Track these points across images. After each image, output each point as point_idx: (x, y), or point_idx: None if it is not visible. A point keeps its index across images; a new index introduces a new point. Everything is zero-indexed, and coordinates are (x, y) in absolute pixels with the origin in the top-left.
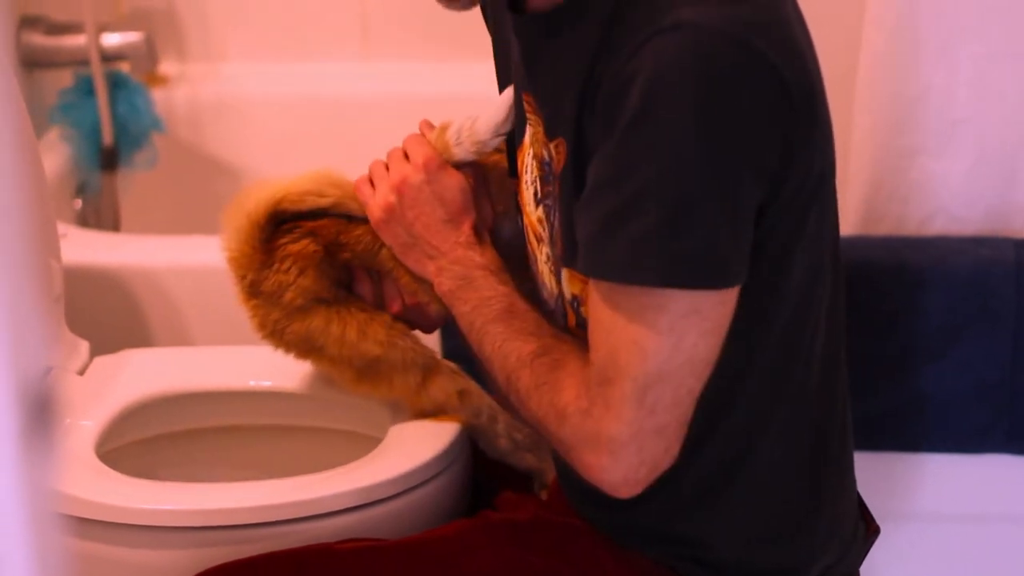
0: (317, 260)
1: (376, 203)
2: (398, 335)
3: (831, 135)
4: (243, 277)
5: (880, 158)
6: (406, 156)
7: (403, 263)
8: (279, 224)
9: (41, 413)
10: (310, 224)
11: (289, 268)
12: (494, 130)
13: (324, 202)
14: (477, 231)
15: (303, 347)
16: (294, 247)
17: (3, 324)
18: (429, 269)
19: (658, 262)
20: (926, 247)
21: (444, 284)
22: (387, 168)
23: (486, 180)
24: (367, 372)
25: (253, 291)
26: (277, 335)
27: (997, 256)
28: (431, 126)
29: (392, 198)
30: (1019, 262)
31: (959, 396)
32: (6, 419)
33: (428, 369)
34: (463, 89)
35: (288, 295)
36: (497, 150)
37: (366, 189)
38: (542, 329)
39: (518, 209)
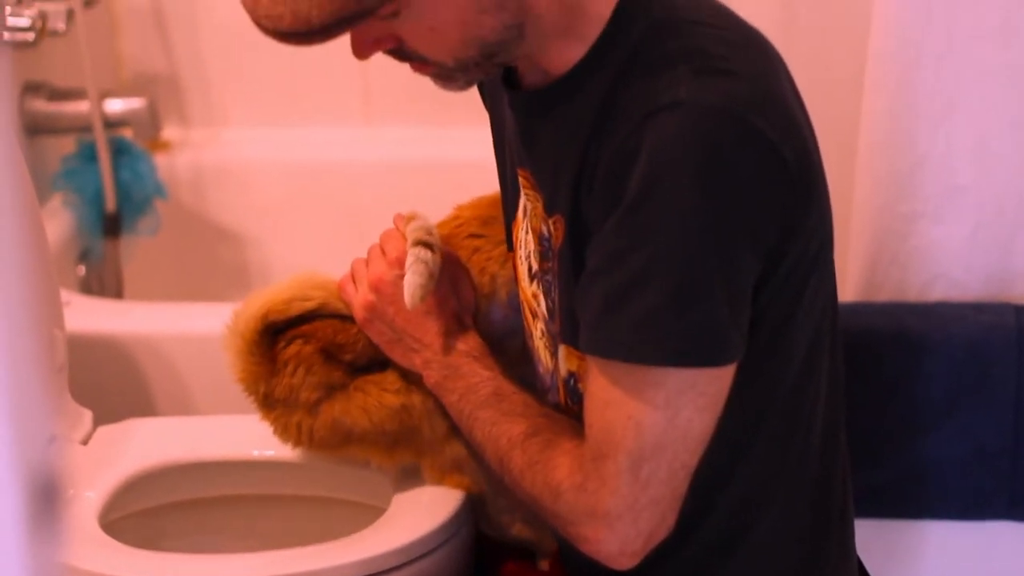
0: (318, 358)
1: (358, 303)
2: (414, 384)
3: (829, 206)
4: (256, 392)
5: (880, 224)
6: (384, 251)
7: (391, 359)
8: (275, 333)
9: (47, 490)
10: (305, 328)
11: (295, 371)
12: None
13: (309, 305)
14: (458, 318)
15: (335, 439)
16: (290, 350)
17: (7, 399)
18: (415, 362)
19: (659, 342)
20: (927, 314)
21: (431, 376)
22: (367, 265)
23: (464, 265)
24: (401, 435)
25: (269, 402)
26: (306, 437)
27: (998, 322)
28: (404, 218)
29: (371, 296)
30: (1020, 328)
31: (961, 463)
32: (12, 498)
33: (452, 420)
34: (464, 155)
35: (303, 394)
36: (474, 236)
37: (349, 288)
38: (530, 409)
39: (515, 283)
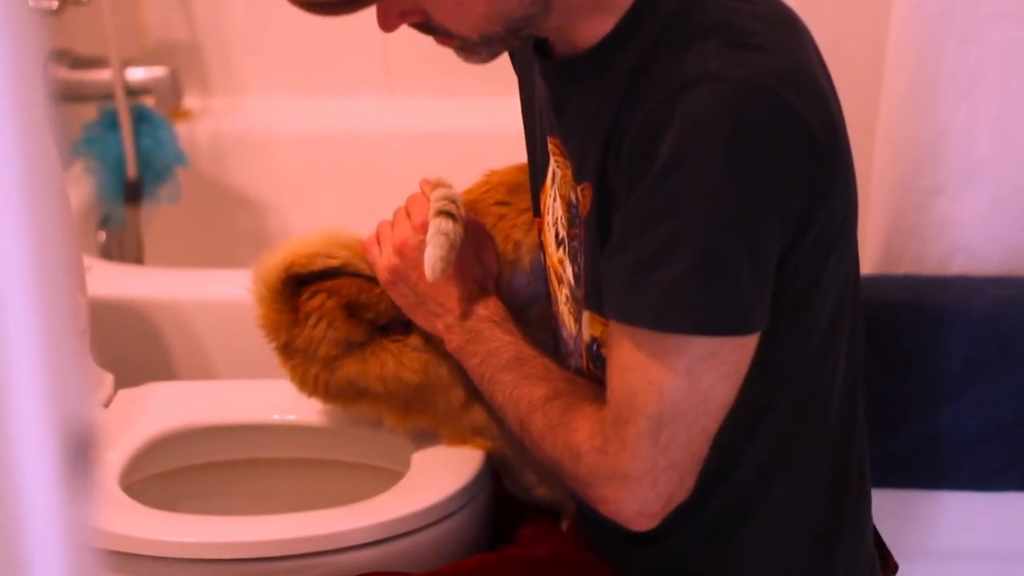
0: (340, 313)
1: (381, 265)
2: (435, 354)
3: (854, 179)
4: (276, 340)
5: (900, 198)
6: (409, 215)
7: (414, 322)
8: (299, 285)
9: (80, 452)
10: (328, 284)
11: (316, 324)
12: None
13: (334, 263)
14: (481, 284)
15: (349, 395)
16: (313, 303)
17: (42, 362)
18: (437, 327)
19: (684, 310)
20: (945, 287)
21: (453, 340)
22: (392, 228)
23: (489, 232)
24: (414, 401)
25: (288, 351)
26: (321, 390)
27: (1016, 296)
28: (430, 183)
29: (395, 260)
30: None
31: (978, 434)
32: (47, 457)
33: (470, 390)
34: (485, 124)
35: (322, 349)
36: (500, 203)
37: (373, 250)
38: (551, 373)
39: (542, 249)
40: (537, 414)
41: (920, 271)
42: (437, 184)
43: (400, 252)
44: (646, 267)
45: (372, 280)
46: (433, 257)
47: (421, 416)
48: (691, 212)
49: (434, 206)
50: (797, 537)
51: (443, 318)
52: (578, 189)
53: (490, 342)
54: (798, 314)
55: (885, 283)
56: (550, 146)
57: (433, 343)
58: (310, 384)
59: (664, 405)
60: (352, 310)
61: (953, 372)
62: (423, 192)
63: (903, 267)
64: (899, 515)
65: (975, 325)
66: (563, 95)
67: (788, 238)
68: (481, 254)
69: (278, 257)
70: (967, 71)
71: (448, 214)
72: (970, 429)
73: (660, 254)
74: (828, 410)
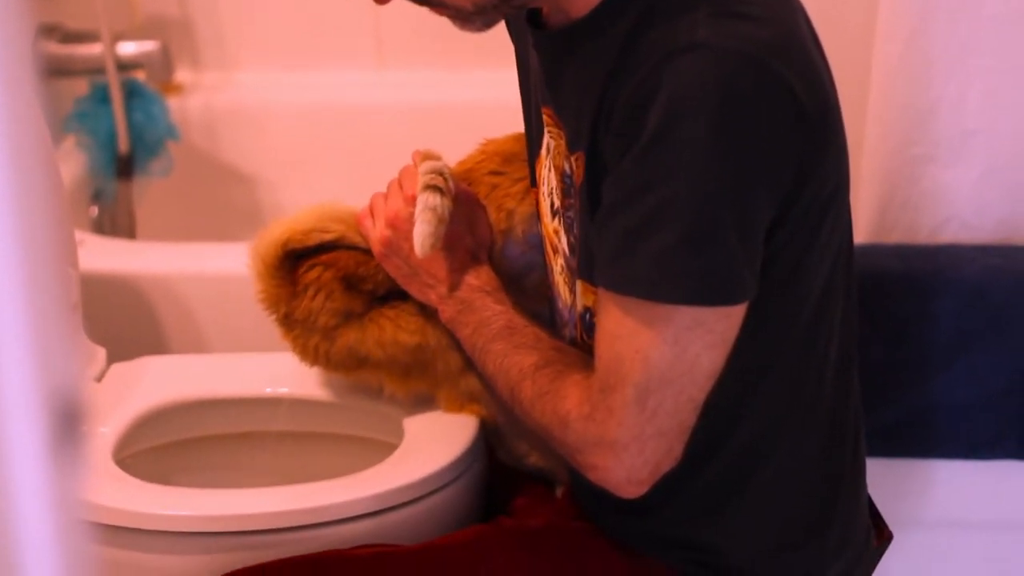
0: (338, 285)
1: (374, 237)
2: (432, 318)
3: (845, 149)
4: (276, 313)
5: (892, 168)
6: (401, 187)
7: (408, 292)
8: (298, 259)
9: (68, 423)
10: (324, 257)
11: (315, 295)
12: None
13: (329, 237)
14: (472, 254)
15: (350, 363)
16: (310, 276)
17: (30, 333)
18: (431, 297)
19: (673, 279)
20: (937, 256)
21: (446, 311)
22: (385, 200)
23: (482, 202)
24: (413, 367)
25: (289, 323)
26: (323, 359)
27: (1007, 265)
28: (420, 154)
29: (387, 232)
30: None
31: (970, 403)
32: (34, 428)
33: (467, 355)
34: (476, 97)
35: (321, 319)
36: (494, 173)
37: (367, 222)
38: (541, 342)
39: (538, 219)
40: (527, 382)
41: (912, 240)
42: (426, 156)
43: (392, 224)
44: (635, 236)
45: (368, 252)
46: (422, 233)
47: (421, 381)
48: (679, 182)
49: (422, 180)
50: (792, 506)
51: (436, 289)
52: (572, 159)
53: (481, 312)
54: (791, 283)
55: (877, 252)
56: (544, 117)
57: (429, 311)
58: (311, 354)
59: (651, 373)
60: (349, 282)
61: (945, 341)
62: (414, 163)
63: (895, 236)
64: (891, 484)
65: (967, 294)
66: (556, 65)
67: (777, 208)
68: (473, 224)
69: (275, 233)
70: (959, 41)
71: (436, 188)
72: (962, 398)
73: (649, 224)
74: (822, 378)
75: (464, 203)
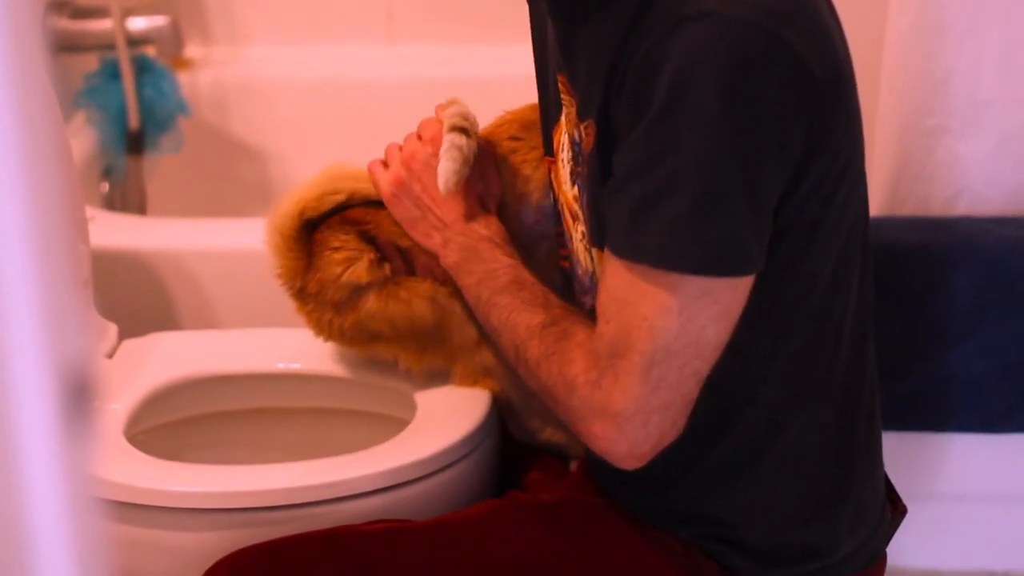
0: (355, 248)
1: (386, 179)
2: (443, 290)
3: (859, 120)
4: (293, 287)
5: (905, 139)
6: (420, 137)
7: (412, 238)
8: (312, 230)
9: (79, 397)
10: (338, 216)
11: (326, 266)
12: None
13: (340, 197)
14: (482, 203)
15: (363, 338)
16: (326, 236)
17: (41, 310)
18: (435, 241)
19: (682, 249)
20: (951, 228)
21: (450, 256)
22: (401, 147)
23: (498, 159)
24: (429, 340)
25: (303, 296)
26: (337, 334)
27: (1021, 236)
28: (444, 105)
29: (401, 173)
30: None
31: (985, 376)
32: (46, 404)
33: (483, 330)
34: (487, 72)
35: (330, 293)
36: (512, 138)
37: (378, 169)
38: (550, 300)
39: (551, 188)
40: (534, 340)
41: (925, 212)
42: (451, 103)
43: (407, 165)
44: (646, 206)
45: (378, 204)
46: (447, 170)
47: (436, 355)
48: (688, 153)
49: (448, 122)
50: (806, 481)
51: (442, 232)
52: (581, 127)
53: (489, 262)
54: (807, 254)
55: (890, 225)
56: (559, 85)
57: (445, 283)
58: (326, 328)
59: (656, 343)
60: (364, 233)
61: (959, 313)
62: (437, 114)
63: (908, 208)
64: (907, 458)
65: (981, 266)
66: (569, 33)
67: (787, 178)
68: (485, 174)
69: (289, 205)
70: (971, 11)
71: (462, 130)
72: (977, 371)
73: (660, 194)
74: (838, 352)
75: (479, 154)
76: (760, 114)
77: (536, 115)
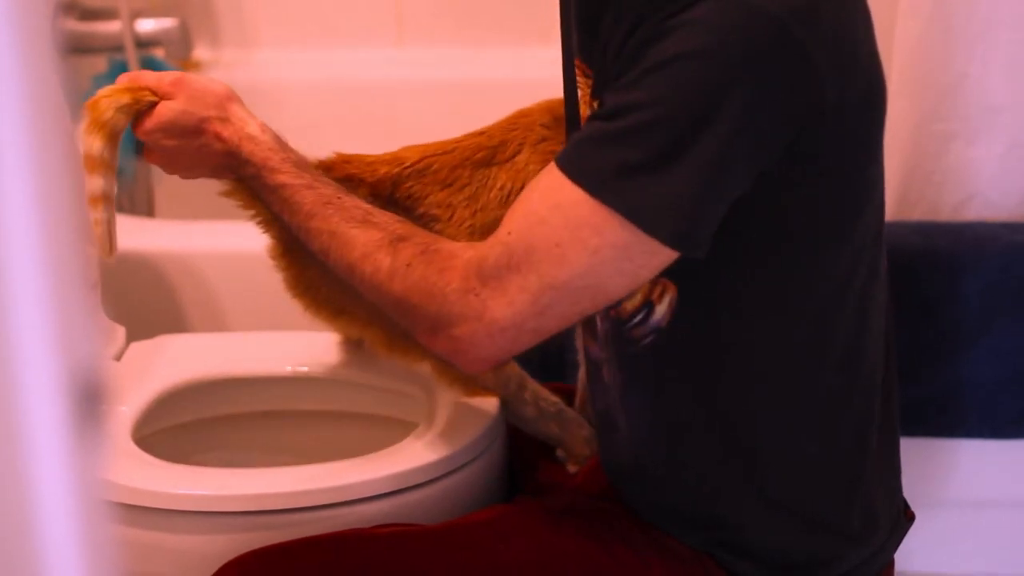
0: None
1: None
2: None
3: (882, 103)
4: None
5: (915, 144)
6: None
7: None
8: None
9: (88, 400)
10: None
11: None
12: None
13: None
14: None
15: (331, 309)
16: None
17: (49, 312)
18: (215, 149)
19: (625, 191)
20: (960, 233)
21: (248, 167)
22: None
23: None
24: (397, 336)
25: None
26: (311, 291)
27: None
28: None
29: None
30: None
31: (995, 382)
32: (54, 407)
33: None
34: (496, 75)
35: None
36: (544, 126)
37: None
38: (387, 216)
39: None
40: (381, 253)
41: (935, 217)
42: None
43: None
44: (609, 141)
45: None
46: (101, 239)
47: (405, 353)
48: (668, 113)
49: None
50: (816, 487)
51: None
52: (594, 105)
53: (301, 177)
54: (813, 262)
55: (900, 230)
56: (575, 69)
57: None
58: (302, 284)
59: (560, 273)
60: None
61: (969, 319)
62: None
63: (918, 213)
64: (916, 463)
65: (991, 271)
66: (589, 17)
67: (751, 183)
68: (201, 99)
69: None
70: (982, 16)
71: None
72: (988, 376)
73: (624, 136)
74: (851, 361)
75: (179, 90)
76: (752, 105)
77: (562, 110)
